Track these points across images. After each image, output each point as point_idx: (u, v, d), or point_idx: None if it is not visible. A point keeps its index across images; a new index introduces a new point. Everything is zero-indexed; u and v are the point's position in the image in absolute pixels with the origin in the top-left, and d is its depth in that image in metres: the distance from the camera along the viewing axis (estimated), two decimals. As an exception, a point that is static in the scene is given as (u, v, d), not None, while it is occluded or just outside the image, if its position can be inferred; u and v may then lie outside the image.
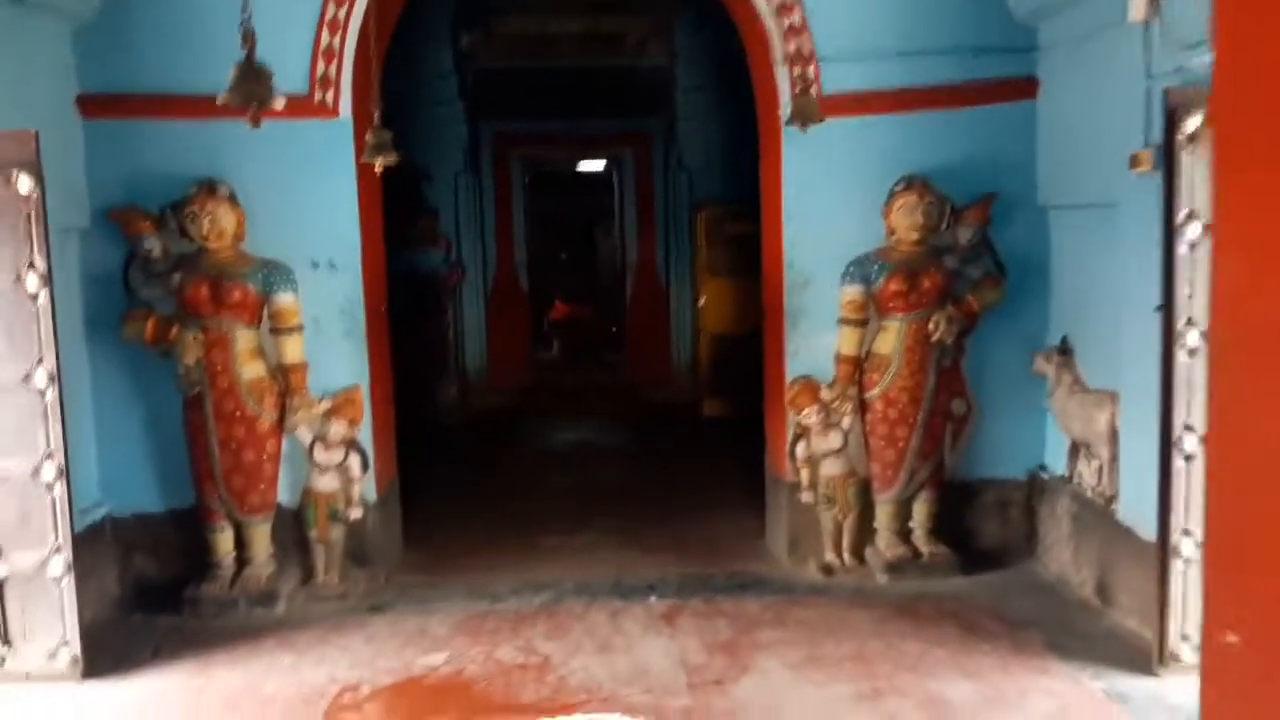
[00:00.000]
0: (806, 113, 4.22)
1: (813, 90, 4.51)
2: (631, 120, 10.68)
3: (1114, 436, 4.41)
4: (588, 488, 6.85)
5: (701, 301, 9.66)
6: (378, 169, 4.09)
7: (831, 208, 4.88)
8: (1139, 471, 4.14)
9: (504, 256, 11.06)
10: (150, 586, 4.80)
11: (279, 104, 3.05)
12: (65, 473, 3.86)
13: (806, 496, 4.95)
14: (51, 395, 3.83)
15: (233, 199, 4.61)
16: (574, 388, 11.08)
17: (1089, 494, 4.62)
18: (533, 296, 11.90)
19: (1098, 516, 4.51)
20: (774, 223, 5.09)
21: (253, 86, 2.90)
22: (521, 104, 10.48)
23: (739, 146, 10.13)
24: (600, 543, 5.53)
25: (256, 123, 3.00)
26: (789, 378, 4.94)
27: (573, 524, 5.85)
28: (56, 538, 3.85)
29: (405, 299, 9.57)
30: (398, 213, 9.73)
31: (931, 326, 4.78)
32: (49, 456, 3.83)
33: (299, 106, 4.66)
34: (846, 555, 4.97)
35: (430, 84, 9.67)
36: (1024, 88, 4.90)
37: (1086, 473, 4.68)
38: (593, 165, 15.44)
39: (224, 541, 4.79)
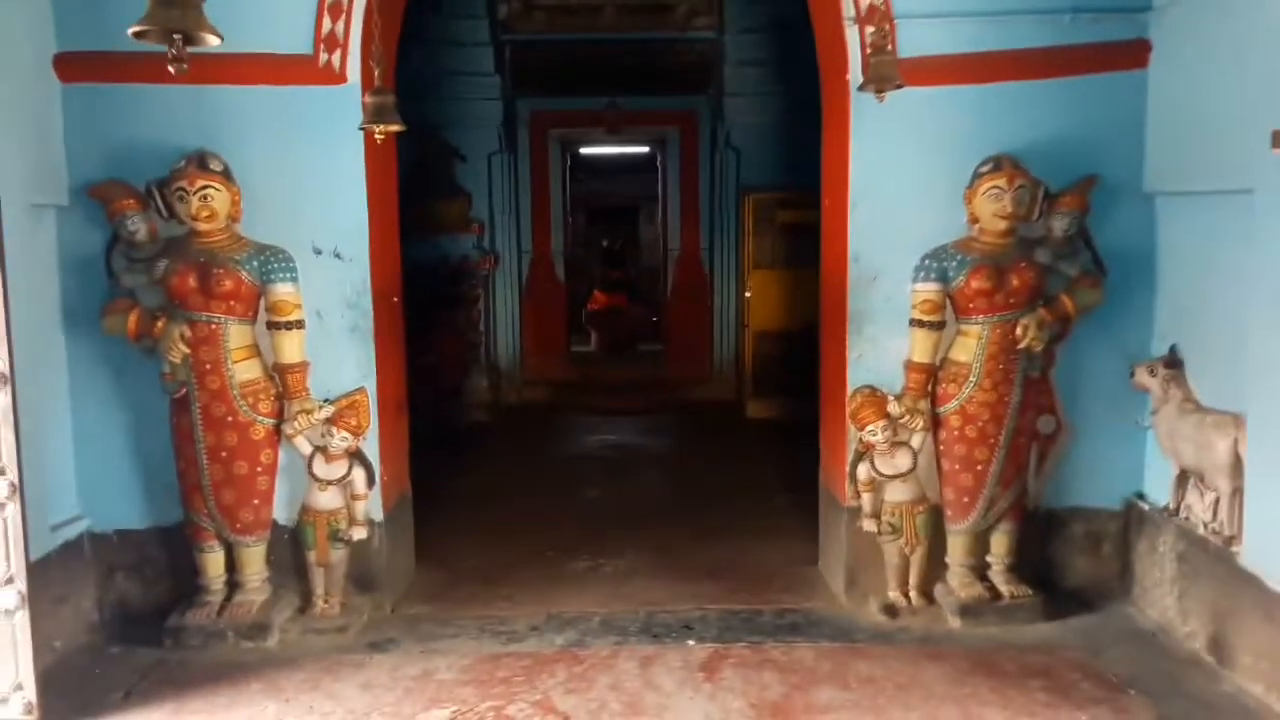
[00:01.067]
0: (883, 74, 3.57)
1: (889, 48, 3.85)
2: (677, 97, 10.04)
3: (1237, 467, 3.74)
4: (622, 501, 6.27)
5: (748, 295, 9.03)
6: (378, 136, 3.52)
7: (905, 192, 4.23)
8: (1269, 510, 3.48)
9: (540, 243, 10.51)
10: (133, 612, 4.31)
11: (210, 40, 2.37)
12: (19, 490, 3.35)
13: (868, 525, 4.33)
14: (3, 401, 3.33)
15: (226, 175, 4.07)
16: (611, 383, 10.52)
17: (1200, 531, 3.96)
18: (570, 286, 11.34)
19: (1212, 559, 3.84)
20: (837, 208, 4.45)
21: (171, 13, 2.26)
22: (561, 79, 9.91)
23: (792, 127, 9.47)
24: (633, 569, 4.95)
25: (179, 67, 2.35)
26: (850, 387, 4.31)
27: (604, 545, 5.28)
28: (8, 567, 3.35)
29: (434, 287, 9.07)
30: (426, 194, 9.25)
31: (1019, 331, 4.12)
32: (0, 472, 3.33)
33: (301, 70, 4.15)
34: (913, 593, 4.34)
35: (463, 56, 9.13)
36: (1133, 53, 4.20)
37: (1198, 506, 4.01)
38: (635, 148, 14.88)
39: (214, 563, 4.29)
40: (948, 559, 4.35)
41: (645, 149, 14.70)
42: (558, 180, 10.60)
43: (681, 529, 5.55)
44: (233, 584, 4.31)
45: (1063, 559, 4.49)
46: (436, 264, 8.88)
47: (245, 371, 4.16)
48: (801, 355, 8.97)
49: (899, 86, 3.60)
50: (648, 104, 10.16)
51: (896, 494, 4.31)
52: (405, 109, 8.85)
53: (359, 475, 4.29)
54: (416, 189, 9.04)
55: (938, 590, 4.34)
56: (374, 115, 3.41)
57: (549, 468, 7.26)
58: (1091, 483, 4.43)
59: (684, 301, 10.52)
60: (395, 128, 3.54)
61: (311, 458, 4.25)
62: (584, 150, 15.24)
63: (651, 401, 9.78)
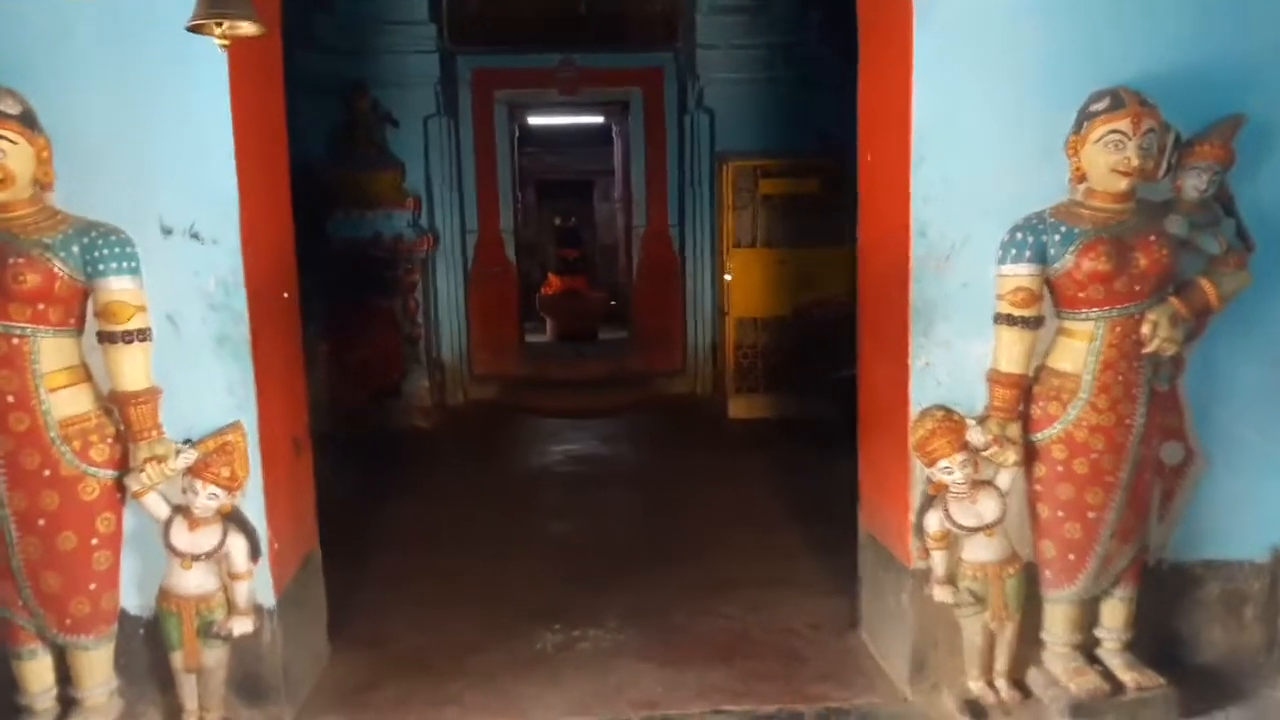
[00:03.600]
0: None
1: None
2: (641, 54, 8.81)
3: None
4: (594, 538, 5.08)
5: (727, 277, 7.87)
6: (220, 43, 2.25)
7: (988, 140, 3.08)
8: None
9: (487, 221, 9.23)
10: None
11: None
12: None
13: (941, 593, 3.20)
14: None
15: (28, 120, 2.80)
16: (571, 379, 9.31)
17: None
18: (521, 269, 10.08)
19: None
20: (888, 165, 3.29)
21: None
22: (507, 32, 8.63)
23: (775, 83, 8.32)
24: (618, 645, 3.77)
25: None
26: (915, 408, 3.17)
27: (577, 607, 4.09)
28: None
29: (363, 271, 7.80)
30: (353, 164, 7.96)
31: (1146, 329, 3.02)
32: None
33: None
34: (1002, 683, 3.22)
35: (393, 1, 7.81)
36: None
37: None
38: (589, 118, 13.65)
39: (36, 673, 3.04)
40: (1045, 635, 3.24)
41: (599, 119, 13.52)
42: (505, 148, 9.31)
43: (671, 580, 4.38)
44: (67, 700, 3.07)
45: (1193, 628, 3.40)
46: (366, 245, 7.61)
47: (68, 403, 2.91)
48: (792, 346, 7.89)
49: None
50: (607, 61, 8.92)
51: (979, 552, 3.18)
52: (327, 64, 7.32)
53: (237, 545, 3.05)
54: (341, 157, 7.74)
55: (1034, 678, 3.22)
56: (211, 5, 2.16)
57: (502, 490, 6.05)
58: (1231, 528, 3.33)
59: (651, 285, 9.33)
60: (247, 28, 2.28)
61: (169, 523, 3.00)
62: (533, 120, 14.00)
63: (618, 400, 8.60)
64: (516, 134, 13.12)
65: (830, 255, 7.72)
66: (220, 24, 2.13)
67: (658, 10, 8.75)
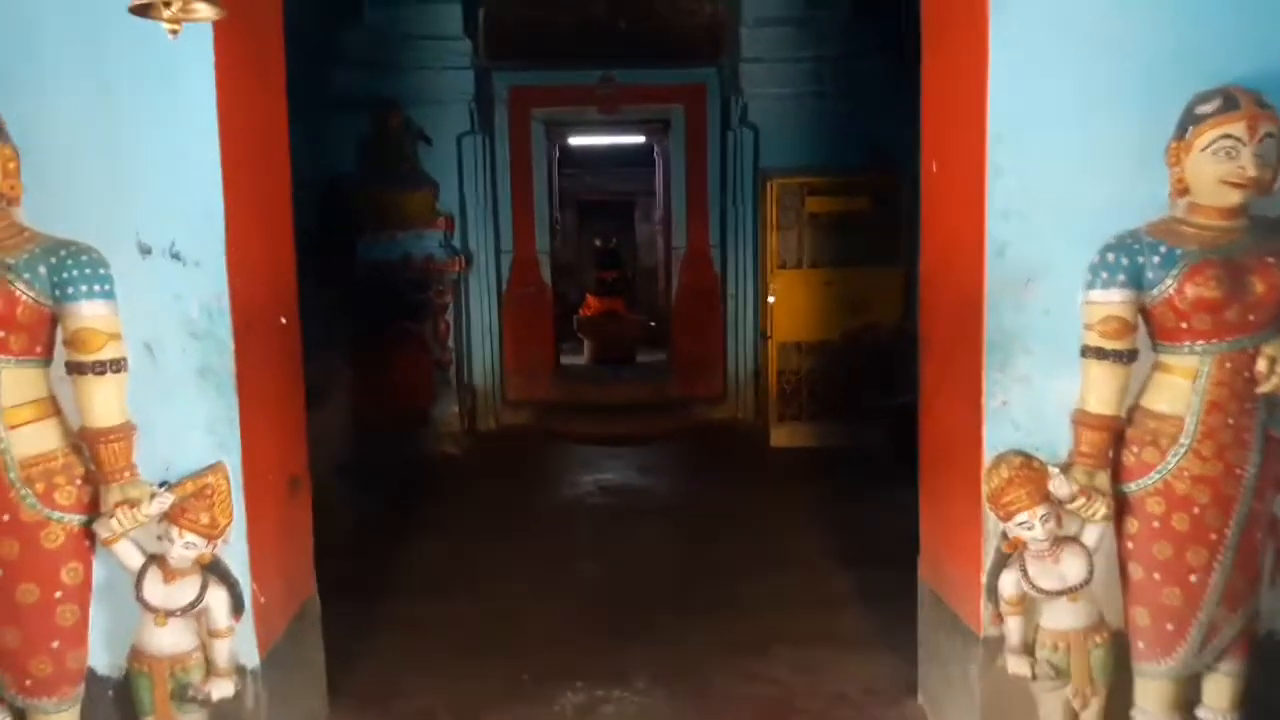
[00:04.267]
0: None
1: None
2: (683, 69, 8.47)
3: None
4: (625, 583, 4.69)
5: (770, 300, 7.48)
6: (168, 26, 1.92)
7: (1076, 144, 2.68)
8: None
9: (522, 241, 8.92)
10: None
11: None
12: None
13: (1017, 666, 2.78)
14: None
15: (-7, 130, 2.53)
16: (608, 404, 8.93)
17: None
18: (558, 291, 9.76)
19: None
20: (961, 174, 2.89)
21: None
22: (545, 48, 8.35)
23: (822, 97, 7.95)
24: (644, 710, 3.40)
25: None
26: (989, 453, 2.76)
27: (605, 663, 3.72)
28: None
29: (393, 294, 7.53)
30: (384, 183, 7.72)
31: (1263, 365, 2.59)
32: None
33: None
34: (1089, 772, 2.79)
35: (427, 15, 7.58)
36: None
37: None
38: (630, 138, 13.38)
39: (-6, 738, 2.75)
40: (1136, 715, 2.80)
41: (640, 138, 13.24)
42: (542, 167, 9.01)
43: (708, 633, 4.00)
44: (28, 767, 2.76)
45: (1310, 711, 2.94)
46: (396, 265, 7.33)
47: (31, 441, 2.60)
48: (839, 373, 7.47)
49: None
50: (647, 77, 8.59)
51: (1061, 618, 2.76)
52: (358, 80, 7.03)
53: (218, 600, 2.73)
54: (372, 175, 7.50)
55: (1125, 767, 2.79)
56: (156, -20, 1.84)
57: (530, 525, 5.69)
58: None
59: (691, 308, 8.95)
60: (203, 11, 1.96)
61: (142, 574, 2.69)
62: (573, 141, 13.77)
63: (656, 427, 8.23)
64: (557, 155, 12.91)
65: (881, 277, 7.33)
66: (169, 5, 1.81)
67: (700, 24, 8.42)
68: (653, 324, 12.88)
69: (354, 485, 5.94)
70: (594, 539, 5.42)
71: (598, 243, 15.42)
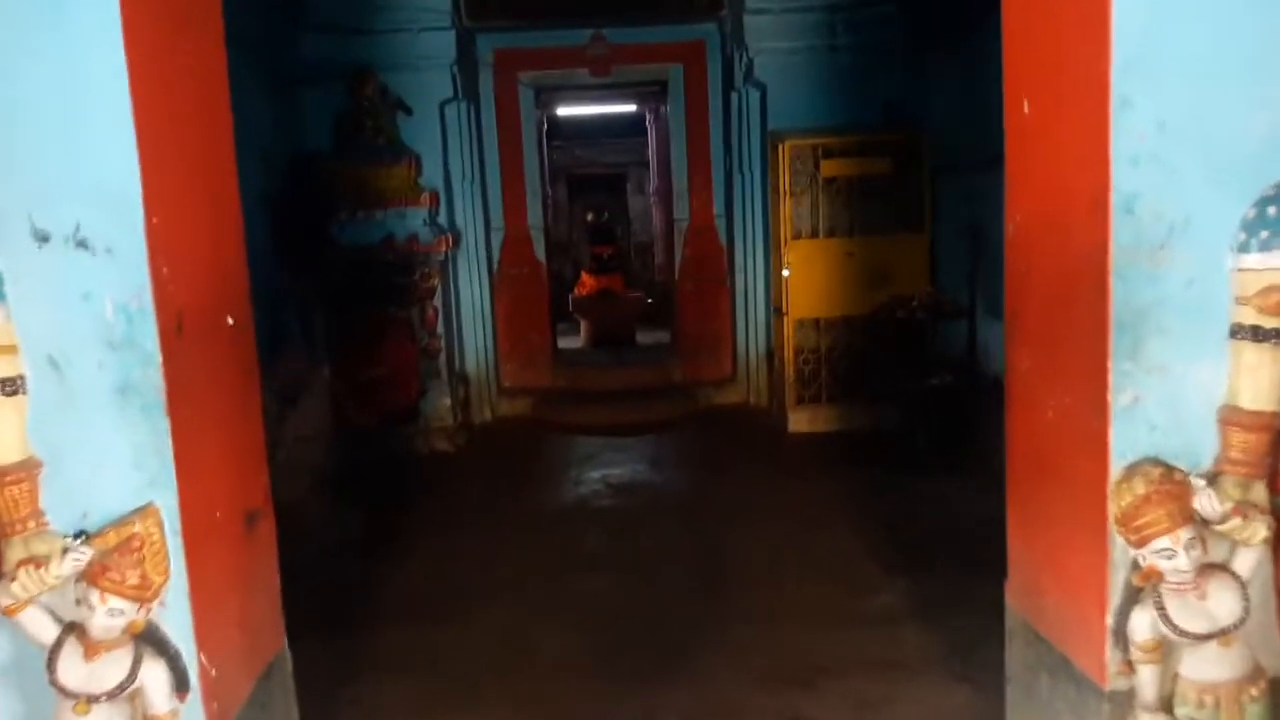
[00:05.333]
0: None
1: None
2: (680, 25, 7.85)
3: None
4: (639, 599, 4.15)
5: (785, 273, 6.91)
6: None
7: (1227, 67, 2.10)
8: None
9: (513, 217, 8.33)
10: None
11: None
12: None
13: (1155, 723, 2.25)
14: None
15: None
16: (610, 389, 8.37)
17: None
18: (552, 268, 9.17)
19: None
20: (1070, 112, 2.30)
21: None
22: (530, 6, 7.71)
23: (836, 49, 7.36)
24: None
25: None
26: (1117, 463, 2.20)
27: (617, 709, 3.19)
28: None
29: (374, 279, 6.94)
30: (361, 157, 7.10)
31: None
32: None
33: None
34: None
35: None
36: None
37: None
38: (622, 106, 12.79)
39: None
40: (1300, 779, 2.27)
41: (632, 106, 12.62)
42: (532, 136, 8.39)
43: (741, 664, 3.46)
44: None
45: None
46: (377, 248, 6.73)
47: (-96, 485, 2.04)
48: (863, 350, 6.93)
49: None
50: (642, 35, 7.98)
51: (1208, 667, 2.21)
52: (329, 46, 6.47)
53: (155, 678, 2.16)
54: (347, 150, 6.88)
55: (1291, 845, 2.26)
56: None
57: (530, 532, 5.14)
58: None
59: (696, 284, 8.39)
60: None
61: (57, 649, 2.12)
62: (562, 111, 13.14)
63: (663, 414, 7.69)
64: (545, 126, 12.26)
65: (906, 245, 6.77)
66: None
67: (700, -27, 7.79)
68: (650, 301, 12.34)
69: (334, 496, 5.39)
70: (602, 546, 4.88)
71: (590, 217, 14.86)
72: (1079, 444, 2.30)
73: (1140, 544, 2.16)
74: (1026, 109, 2.49)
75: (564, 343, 10.44)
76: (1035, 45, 2.45)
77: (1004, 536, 2.71)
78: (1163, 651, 2.23)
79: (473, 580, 4.44)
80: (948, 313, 5.80)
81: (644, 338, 11.29)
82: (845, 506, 5.20)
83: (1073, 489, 2.36)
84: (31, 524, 2.09)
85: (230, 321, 2.52)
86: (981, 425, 5.97)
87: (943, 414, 5.86)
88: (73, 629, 2.13)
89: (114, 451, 2.13)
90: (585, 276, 12.26)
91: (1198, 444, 2.19)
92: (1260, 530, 2.14)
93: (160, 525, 2.14)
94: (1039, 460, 2.55)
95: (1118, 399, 2.18)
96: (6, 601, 2.07)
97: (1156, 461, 2.17)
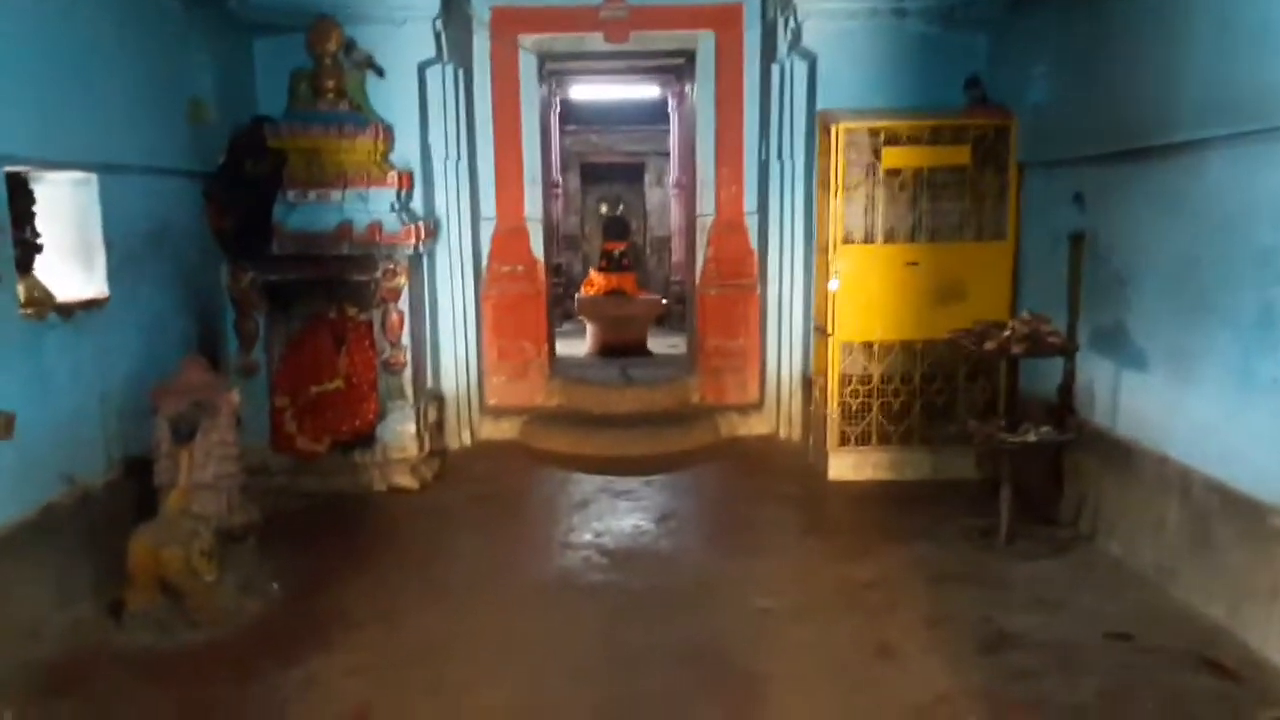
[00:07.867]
0: None
1: None
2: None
3: None
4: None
5: (832, 284, 5.60)
6: None
7: None
8: None
9: (507, 207, 7.05)
10: None
11: None
12: None
13: None
14: None
15: None
16: (615, 413, 7.07)
17: None
18: (554, 269, 7.88)
19: None
20: None
21: None
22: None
23: (903, 17, 5.99)
24: None
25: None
26: None
27: None
28: None
29: (326, 274, 5.67)
30: (313, 124, 5.75)
31: None
32: None
33: None
34: None
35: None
36: None
37: None
38: (644, 88, 11.54)
39: None
40: None
41: (655, 89, 11.34)
42: (533, 110, 7.08)
43: None
44: None
45: None
46: (330, 236, 5.46)
47: None
48: (926, 385, 5.62)
49: None
50: (666, -2, 6.71)
51: None
52: None
53: None
54: (301, 116, 5.61)
55: None
56: None
57: (499, 626, 3.85)
58: None
59: (721, 290, 7.10)
60: None
61: None
62: (574, 94, 11.88)
63: (675, 445, 6.41)
64: (557, 109, 10.97)
65: (986, 254, 5.48)
66: None
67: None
68: (665, 300, 11.08)
69: (251, 556, 4.14)
70: (590, 653, 3.58)
71: (604, 209, 13.66)
72: None
73: None
74: None
75: (566, 349, 9.16)
76: None
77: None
78: None
79: (412, 712, 3.17)
80: (1052, 348, 4.48)
81: (657, 344, 9.99)
82: (917, 606, 3.90)
83: None
84: None
85: None
86: (1080, 491, 4.67)
87: (1034, 475, 4.56)
88: None
89: None
90: (594, 274, 10.96)
91: None
92: None
93: None
94: None
95: None
96: None
97: None
